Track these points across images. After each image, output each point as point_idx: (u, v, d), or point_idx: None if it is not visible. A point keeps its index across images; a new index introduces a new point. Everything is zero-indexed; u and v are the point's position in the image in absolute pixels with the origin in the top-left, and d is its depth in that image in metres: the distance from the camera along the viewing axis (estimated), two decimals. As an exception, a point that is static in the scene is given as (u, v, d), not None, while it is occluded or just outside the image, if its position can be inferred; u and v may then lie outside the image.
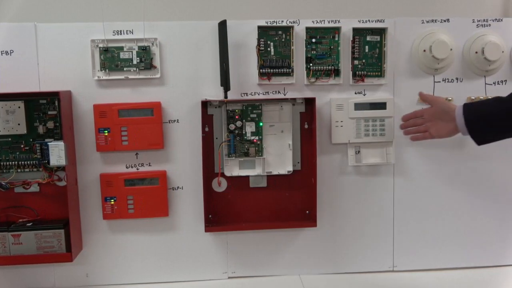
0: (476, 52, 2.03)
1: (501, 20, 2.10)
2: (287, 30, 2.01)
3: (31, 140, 1.95)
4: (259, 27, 1.98)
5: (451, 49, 2.02)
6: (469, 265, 2.20)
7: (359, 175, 2.12)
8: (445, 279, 2.12)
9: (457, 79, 2.09)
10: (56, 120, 1.95)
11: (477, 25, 2.08)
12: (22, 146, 1.95)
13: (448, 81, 2.09)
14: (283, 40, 2.02)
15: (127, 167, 2.03)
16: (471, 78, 2.10)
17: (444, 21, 2.07)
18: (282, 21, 2.00)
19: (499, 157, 2.14)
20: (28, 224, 1.94)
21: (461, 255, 2.19)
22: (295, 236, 2.14)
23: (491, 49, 2.01)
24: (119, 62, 1.97)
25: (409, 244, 2.17)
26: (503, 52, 2.04)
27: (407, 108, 2.08)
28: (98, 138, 1.96)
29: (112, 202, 2.00)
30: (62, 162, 1.85)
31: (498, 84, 2.10)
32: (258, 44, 1.99)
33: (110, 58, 1.96)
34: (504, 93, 2.08)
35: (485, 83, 2.10)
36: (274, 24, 2.00)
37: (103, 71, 1.96)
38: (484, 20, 2.08)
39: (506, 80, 2.10)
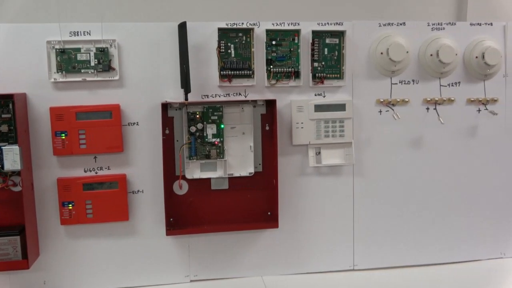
0: (431, 55, 2.09)
1: (455, 24, 2.16)
2: (247, 32, 2.01)
3: (-17, 144, 1.89)
4: (219, 29, 1.98)
5: (407, 52, 2.07)
6: (428, 263, 2.25)
7: (319, 175, 2.14)
8: (404, 276, 2.17)
9: (413, 81, 2.14)
10: (10, 123, 1.89)
11: (432, 28, 2.13)
12: (-26, 150, 1.88)
13: (404, 83, 2.14)
14: (243, 42, 2.02)
15: (85, 171, 1.98)
16: (426, 80, 2.15)
17: (400, 24, 2.12)
18: (242, 23, 2.00)
19: (456, 156, 2.20)
20: (-19, 231, 1.87)
21: (420, 253, 2.24)
22: (257, 237, 2.14)
23: (445, 52, 2.06)
24: (76, 64, 1.93)
25: (369, 243, 2.21)
26: (456, 54, 2.10)
27: (366, 110, 2.12)
28: (55, 142, 1.91)
29: (70, 207, 1.95)
30: (17, 166, 1.79)
31: (452, 86, 2.17)
32: (219, 46, 1.99)
33: (66, 60, 1.92)
34: (458, 95, 2.16)
35: (440, 85, 2.16)
36: (235, 26, 2.00)
37: (60, 73, 1.92)
38: (438, 24, 2.14)
39: (459, 82, 2.17)
